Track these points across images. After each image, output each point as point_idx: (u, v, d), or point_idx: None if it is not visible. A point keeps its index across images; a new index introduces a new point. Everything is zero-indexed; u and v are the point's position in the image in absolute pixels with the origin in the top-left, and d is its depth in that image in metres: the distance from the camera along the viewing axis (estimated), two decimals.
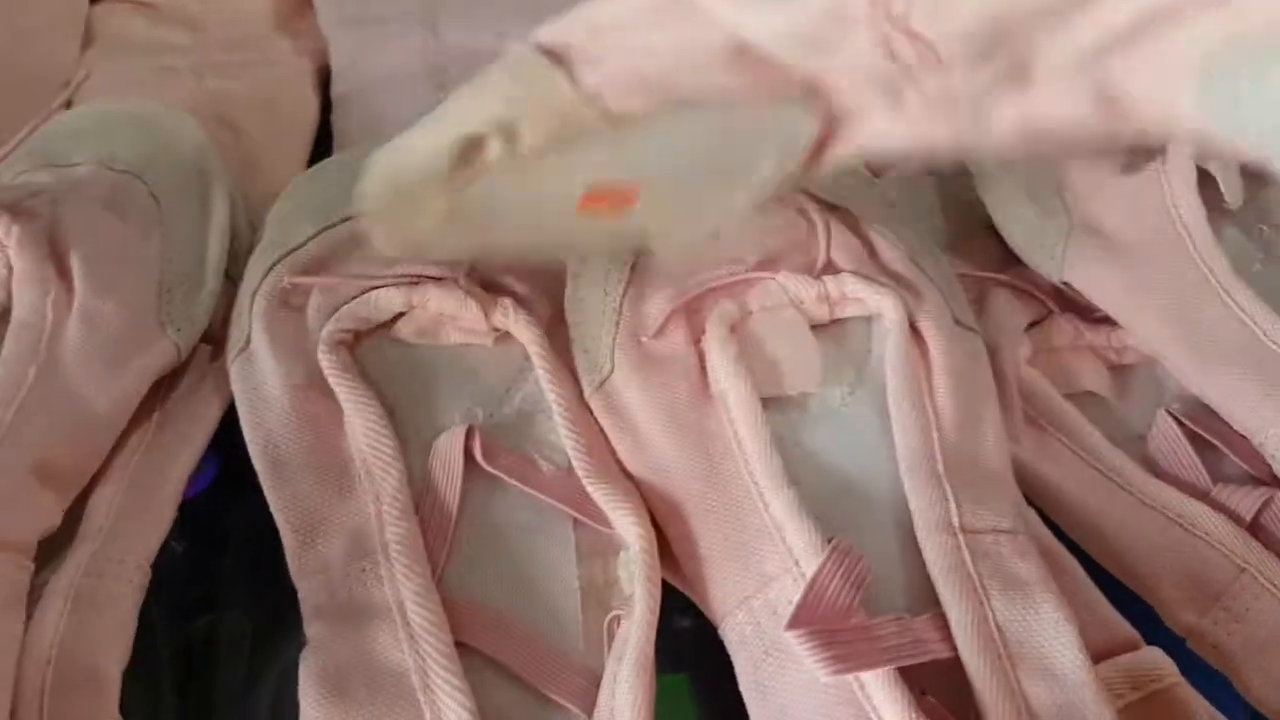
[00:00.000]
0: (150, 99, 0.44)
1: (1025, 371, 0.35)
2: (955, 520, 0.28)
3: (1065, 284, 0.36)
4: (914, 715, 0.24)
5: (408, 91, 0.48)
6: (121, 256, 0.34)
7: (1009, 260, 0.38)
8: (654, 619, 0.27)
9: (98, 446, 0.31)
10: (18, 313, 0.32)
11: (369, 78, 0.49)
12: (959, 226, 0.40)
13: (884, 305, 0.31)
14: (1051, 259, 0.36)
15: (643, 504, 0.30)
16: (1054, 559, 0.29)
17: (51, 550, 0.30)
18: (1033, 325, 0.36)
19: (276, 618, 0.32)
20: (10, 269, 0.32)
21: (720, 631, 0.29)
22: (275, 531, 0.30)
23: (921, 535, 0.28)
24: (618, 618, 0.28)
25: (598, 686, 0.27)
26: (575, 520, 0.30)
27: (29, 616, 0.28)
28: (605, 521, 0.30)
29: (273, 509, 0.30)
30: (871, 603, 0.26)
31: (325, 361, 0.31)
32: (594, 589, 0.30)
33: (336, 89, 0.49)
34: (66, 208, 0.34)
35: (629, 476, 0.31)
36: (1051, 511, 0.32)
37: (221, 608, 0.35)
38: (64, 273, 0.33)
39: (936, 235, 0.40)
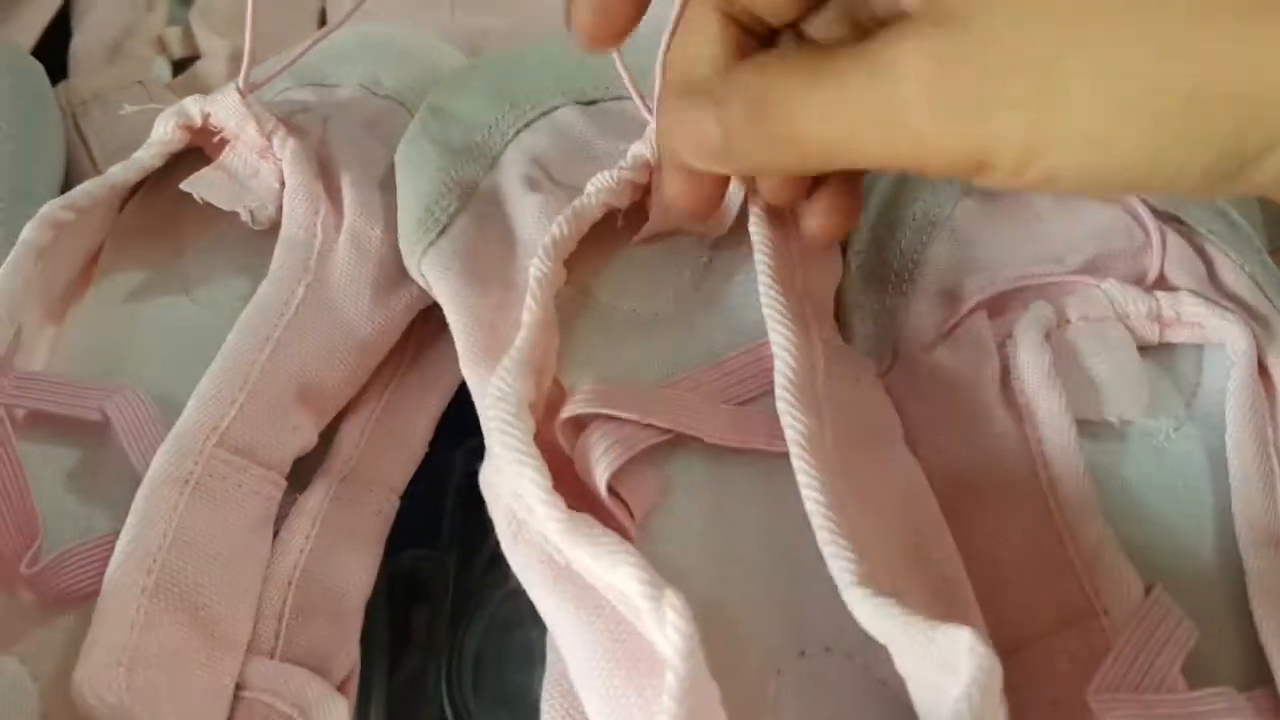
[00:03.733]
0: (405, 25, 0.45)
1: None
2: None
3: None
4: None
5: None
6: (387, 183, 0.34)
7: None
8: None
9: (358, 372, 0.31)
10: (288, 228, 0.32)
11: None
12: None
13: (1229, 334, 0.29)
14: None
15: None
16: None
17: (301, 473, 0.30)
18: None
19: (489, 563, 0.32)
20: (282, 183, 0.33)
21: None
22: None
23: (1256, 602, 0.25)
24: None
25: None
26: None
27: (275, 535, 0.29)
28: None
29: None
30: (1189, 671, 0.24)
31: None
32: None
33: None
34: (335, 127, 0.35)
35: None
36: None
37: (434, 547, 0.35)
38: (333, 193, 0.33)
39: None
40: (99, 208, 0.32)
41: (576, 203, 0.29)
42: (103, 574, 0.26)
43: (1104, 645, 0.25)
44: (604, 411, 0.26)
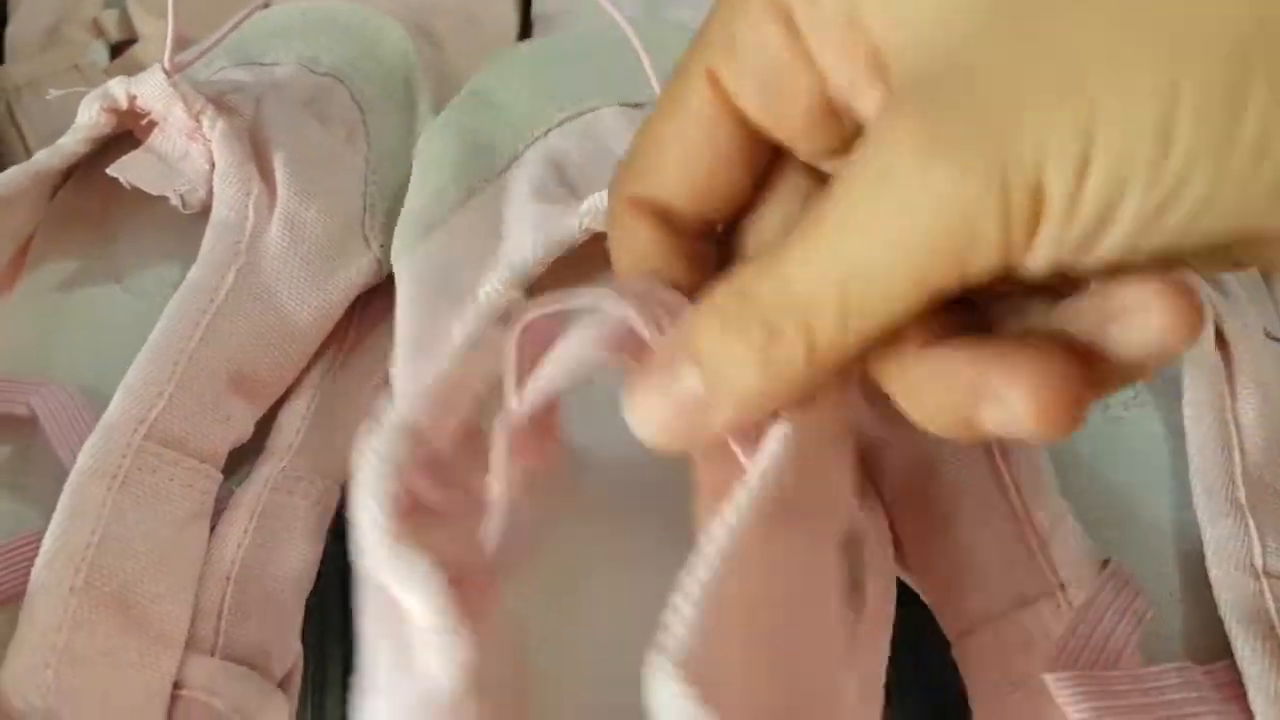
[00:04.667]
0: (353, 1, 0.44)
1: None
2: (1259, 560, 0.25)
3: None
4: None
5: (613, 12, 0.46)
6: (325, 163, 0.33)
7: None
8: (890, 614, 0.25)
9: (294, 358, 0.30)
10: (218, 211, 0.31)
11: None
12: None
13: None
14: None
15: (875, 494, 0.28)
16: None
17: (238, 464, 0.29)
18: None
19: None
20: (212, 164, 0.32)
21: (955, 648, 0.27)
22: None
23: (1215, 572, 0.25)
24: None
25: None
26: None
27: (212, 529, 0.28)
28: None
29: None
30: (1148, 645, 0.24)
31: None
32: None
33: (537, 9, 0.48)
34: (268, 106, 0.34)
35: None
36: None
37: None
38: (266, 174, 0.32)
39: None
40: (25, 196, 0.31)
41: (560, 225, 0.28)
42: (28, 574, 0.26)
43: (1061, 622, 0.24)
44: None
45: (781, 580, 0.20)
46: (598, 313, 0.20)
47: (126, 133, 0.33)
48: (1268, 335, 0.29)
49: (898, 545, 0.28)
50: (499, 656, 0.23)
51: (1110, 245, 0.16)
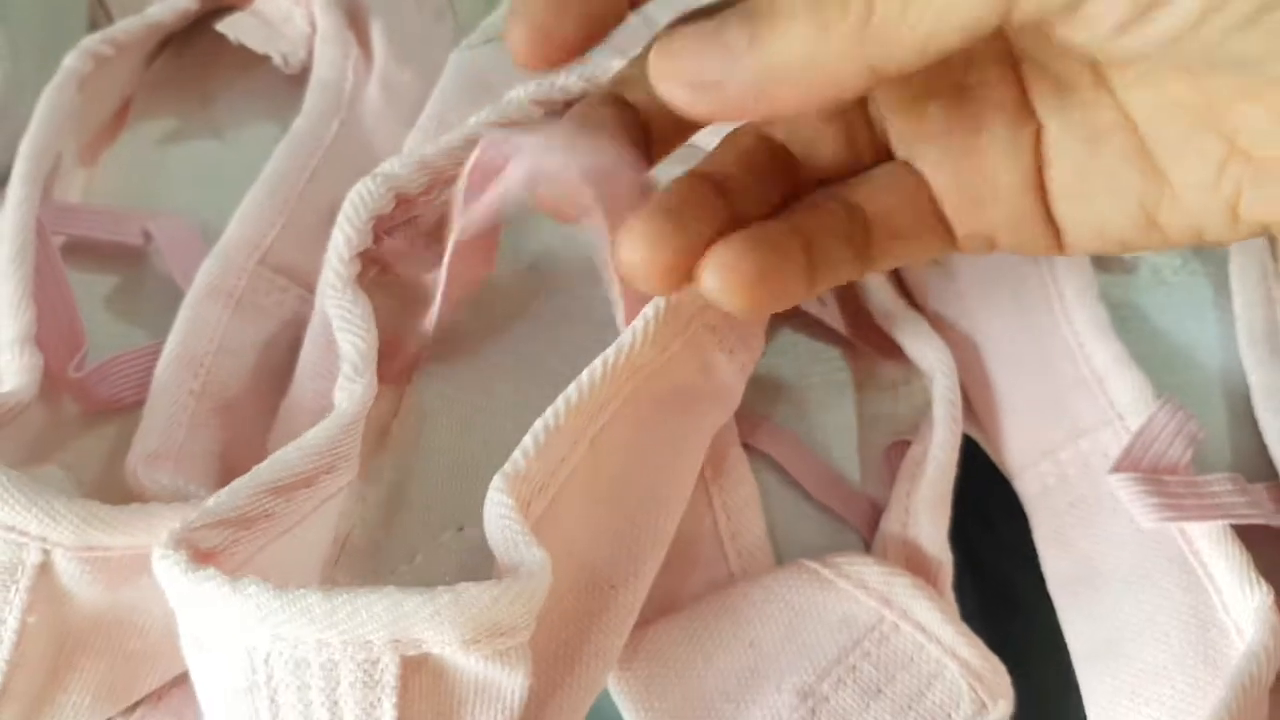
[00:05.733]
0: None
1: None
2: None
3: None
4: (1252, 575, 0.24)
5: None
6: (418, 31, 0.35)
7: None
8: (957, 443, 0.27)
9: None
10: (320, 70, 0.33)
11: None
12: None
13: None
14: None
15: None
16: None
17: None
18: None
19: None
20: (313, 27, 0.34)
21: (1016, 483, 0.29)
22: None
23: (1260, 408, 0.27)
24: (899, 444, 0.29)
25: (878, 513, 0.28)
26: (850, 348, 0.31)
27: None
28: (890, 352, 0.30)
29: None
30: (1199, 465, 0.26)
31: None
32: (871, 420, 0.30)
33: None
34: None
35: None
36: None
37: None
38: (363, 40, 0.34)
39: None
40: (137, 46, 0.33)
41: (598, 64, 0.30)
42: (145, 384, 0.27)
43: (1119, 446, 0.26)
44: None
45: (638, 437, 0.24)
46: (533, 157, 0.22)
47: (216, 11, 0.35)
48: None
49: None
50: (401, 429, 0.27)
51: (1159, 30, 0.17)
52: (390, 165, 0.27)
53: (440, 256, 0.27)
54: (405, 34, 0.35)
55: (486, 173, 0.24)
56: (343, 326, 0.25)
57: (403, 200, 0.27)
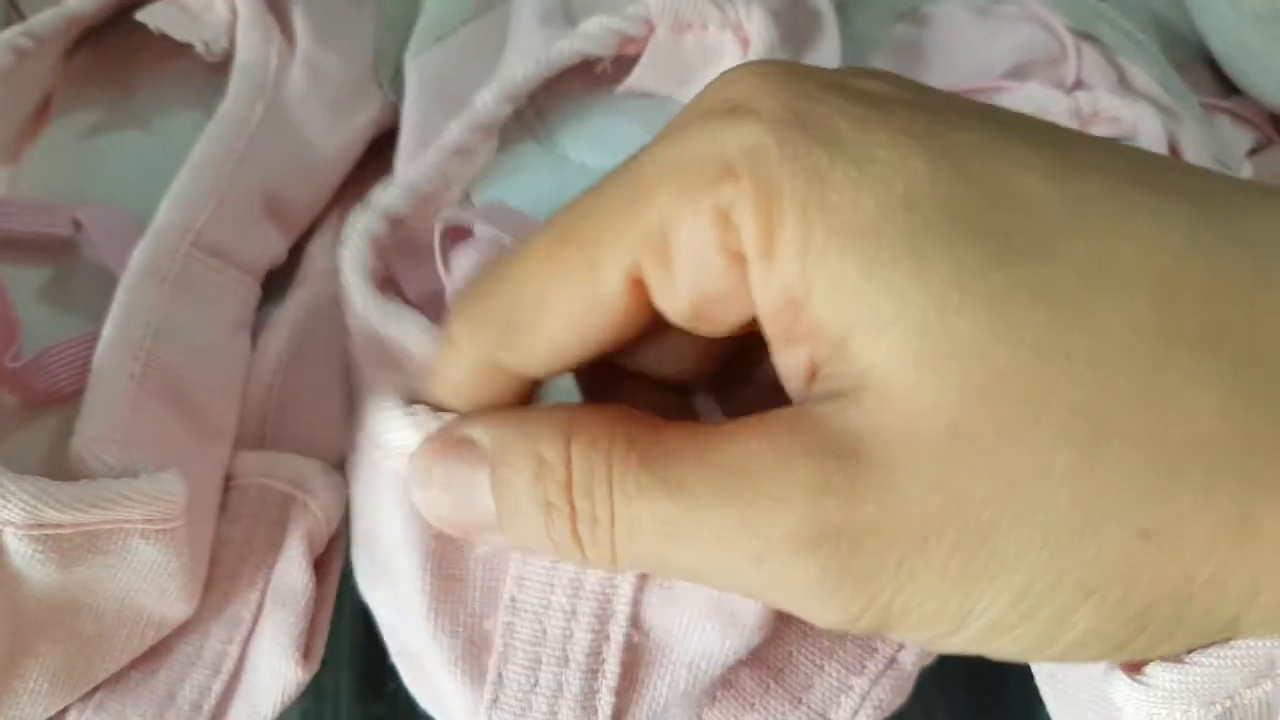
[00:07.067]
0: None
1: None
2: None
3: None
4: None
5: None
6: (340, 14, 0.35)
7: (1225, 90, 0.40)
8: None
9: (321, 188, 0.33)
10: (243, 56, 0.34)
11: None
12: (1174, 56, 0.42)
13: (1144, 122, 0.32)
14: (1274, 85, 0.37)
15: None
16: None
17: (272, 293, 0.32)
18: (1253, 153, 0.38)
19: None
20: (235, 14, 0.34)
21: None
22: None
23: None
24: None
25: None
26: None
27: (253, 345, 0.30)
28: None
29: None
30: None
31: None
32: None
33: None
34: None
35: None
36: None
37: None
38: (285, 25, 0.35)
39: None
40: (56, 39, 0.33)
41: (553, 47, 0.31)
42: (84, 372, 0.27)
43: None
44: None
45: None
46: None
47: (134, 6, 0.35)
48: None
49: None
50: None
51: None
52: (383, 195, 0.27)
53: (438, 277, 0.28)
54: (327, 17, 0.35)
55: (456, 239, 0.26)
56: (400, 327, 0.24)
57: (395, 222, 0.27)
